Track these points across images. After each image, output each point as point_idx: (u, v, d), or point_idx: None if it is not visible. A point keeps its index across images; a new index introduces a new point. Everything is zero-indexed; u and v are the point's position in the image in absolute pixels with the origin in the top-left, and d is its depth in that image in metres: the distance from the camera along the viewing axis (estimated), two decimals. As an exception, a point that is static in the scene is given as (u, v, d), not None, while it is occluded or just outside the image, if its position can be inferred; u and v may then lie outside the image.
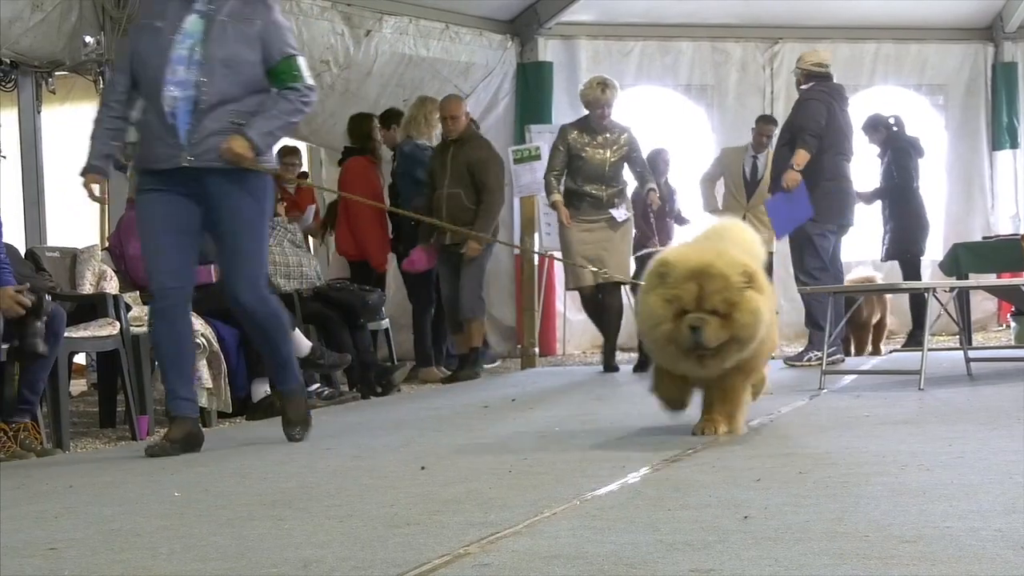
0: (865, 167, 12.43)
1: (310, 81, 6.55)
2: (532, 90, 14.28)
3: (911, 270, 12.67)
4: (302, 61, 6.54)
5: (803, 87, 10.89)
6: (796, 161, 10.48)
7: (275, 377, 6.93)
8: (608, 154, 11.03)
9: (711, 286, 5.63)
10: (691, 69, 14.78)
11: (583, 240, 10.96)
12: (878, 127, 12.71)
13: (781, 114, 14.34)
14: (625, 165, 11.13)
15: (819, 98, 10.71)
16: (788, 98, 14.71)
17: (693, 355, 5.74)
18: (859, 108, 14.14)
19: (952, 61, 15.31)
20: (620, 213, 11.04)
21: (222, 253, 6.52)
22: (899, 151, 12.60)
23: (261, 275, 6.54)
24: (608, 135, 11.03)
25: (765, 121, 13.03)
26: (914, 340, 11.96)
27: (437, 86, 13.00)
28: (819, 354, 10.34)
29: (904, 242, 12.45)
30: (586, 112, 11.21)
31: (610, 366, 11.15)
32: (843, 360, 10.74)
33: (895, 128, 12.81)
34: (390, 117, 11.70)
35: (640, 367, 10.43)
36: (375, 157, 11.30)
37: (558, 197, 11.00)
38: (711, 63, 14.83)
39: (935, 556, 3.14)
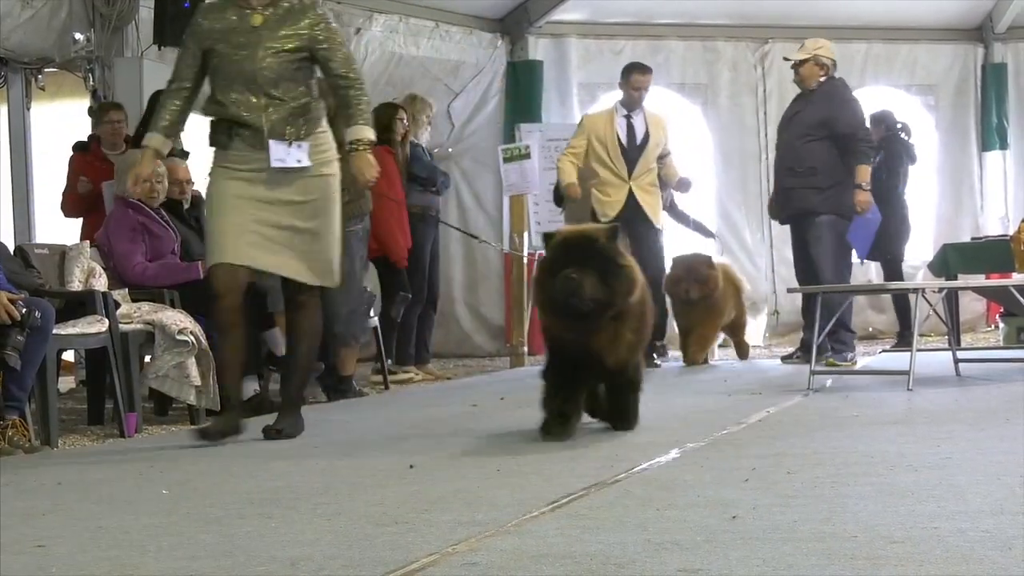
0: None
1: None
2: (522, 89, 14.28)
3: (893, 271, 12.66)
4: None
5: (822, 79, 10.84)
6: (863, 179, 10.49)
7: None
8: None
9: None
10: (683, 68, 14.79)
11: None
12: (880, 125, 12.64)
13: (774, 113, 14.37)
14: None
15: (855, 98, 10.76)
16: (780, 96, 14.74)
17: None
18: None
19: (942, 62, 15.33)
20: None
21: None
22: (893, 154, 12.58)
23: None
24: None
25: (641, 71, 11.64)
26: (903, 341, 11.97)
27: (427, 84, 13.00)
28: (852, 354, 10.39)
29: (887, 243, 12.42)
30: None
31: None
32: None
33: (901, 133, 12.77)
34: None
35: None
36: (394, 148, 10.95)
37: None
38: (703, 62, 14.84)
39: (923, 556, 3.15)
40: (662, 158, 11.54)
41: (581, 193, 11.26)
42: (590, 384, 6.46)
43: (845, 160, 10.53)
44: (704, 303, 11.27)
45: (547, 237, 6.20)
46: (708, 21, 14.77)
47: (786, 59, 11.15)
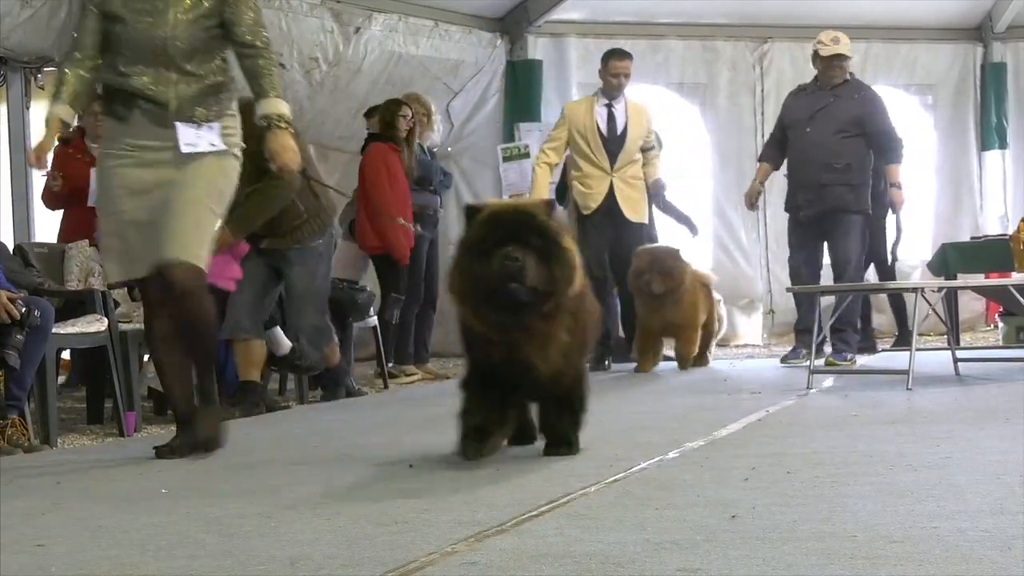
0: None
1: None
2: (521, 88, 14.28)
3: (886, 272, 12.55)
4: None
5: (850, 78, 10.88)
6: (899, 179, 10.71)
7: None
8: None
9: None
10: (682, 68, 14.79)
11: None
12: None
13: (771, 113, 14.38)
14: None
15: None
16: (778, 96, 14.72)
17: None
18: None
19: (941, 61, 15.32)
20: None
21: None
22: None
23: None
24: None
25: (619, 56, 11.33)
26: (902, 340, 11.97)
27: (427, 84, 12.99)
28: (852, 355, 10.38)
29: (879, 245, 12.35)
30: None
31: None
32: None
33: None
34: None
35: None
36: (398, 144, 10.87)
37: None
38: (702, 61, 14.83)
39: (922, 556, 3.15)
40: (645, 151, 11.32)
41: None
42: (522, 401, 5.50)
43: (877, 159, 10.63)
44: (671, 298, 10.56)
45: (471, 211, 5.12)
46: (708, 20, 14.77)
47: (824, 54, 10.94)
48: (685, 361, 10.91)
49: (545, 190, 10.93)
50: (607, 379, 10.37)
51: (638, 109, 11.39)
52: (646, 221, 11.36)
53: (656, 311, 10.60)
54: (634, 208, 11.16)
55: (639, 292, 10.66)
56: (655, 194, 11.42)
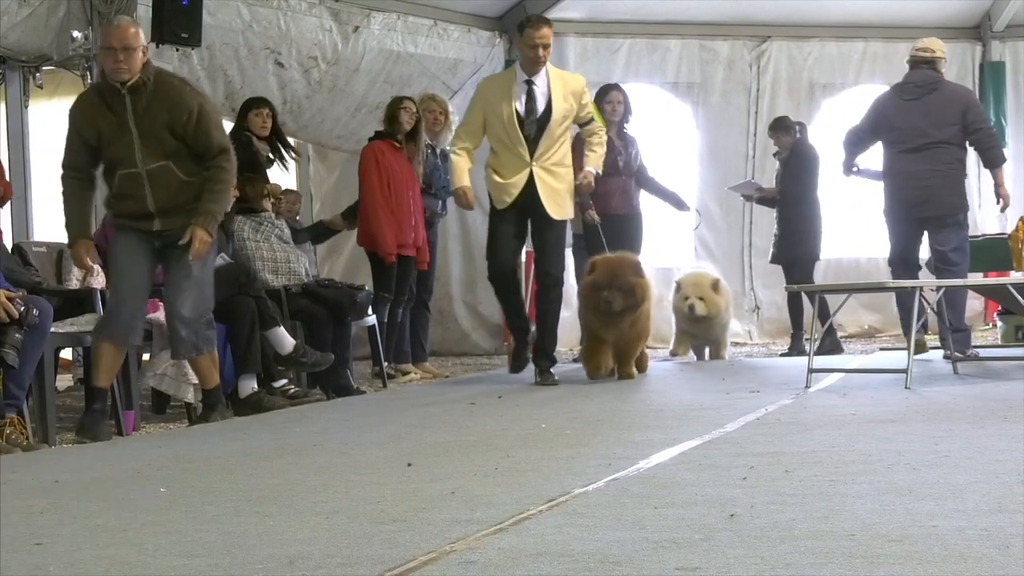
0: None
1: None
2: (520, 87, 14.28)
3: (803, 275, 12.41)
4: None
5: (939, 75, 10.99)
6: (1004, 179, 10.64)
7: None
8: None
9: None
10: (678, 67, 14.80)
11: None
12: (790, 131, 12.52)
13: (765, 114, 14.40)
14: None
15: None
16: (773, 96, 14.78)
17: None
18: (847, 107, 14.20)
19: (940, 60, 15.32)
20: None
21: None
22: (807, 157, 12.42)
23: None
24: None
25: (536, 24, 9.46)
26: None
27: (425, 83, 12.99)
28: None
29: (791, 248, 12.29)
30: None
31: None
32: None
33: (799, 135, 12.61)
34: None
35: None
36: (400, 140, 10.84)
37: None
38: (699, 61, 14.84)
39: (921, 555, 3.15)
40: (584, 125, 9.69)
41: (474, 201, 9.82)
42: None
43: (984, 159, 10.79)
44: (629, 315, 9.40)
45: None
46: (706, 19, 14.78)
47: (926, 58, 11.10)
48: (621, 372, 9.70)
49: (465, 177, 9.50)
50: (604, 378, 10.40)
51: (564, 80, 9.60)
52: (570, 218, 9.82)
53: (610, 326, 9.48)
54: (558, 203, 9.52)
55: (594, 309, 9.44)
56: (580, 186, 9.64)
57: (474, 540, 3.57)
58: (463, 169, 9.52)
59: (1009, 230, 13.16)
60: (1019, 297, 9.11)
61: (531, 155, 9.41)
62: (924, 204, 10.38)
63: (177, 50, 10.80)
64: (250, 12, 11.70)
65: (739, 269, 14.62)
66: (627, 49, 14.66)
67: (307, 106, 12.33)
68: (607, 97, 11.35)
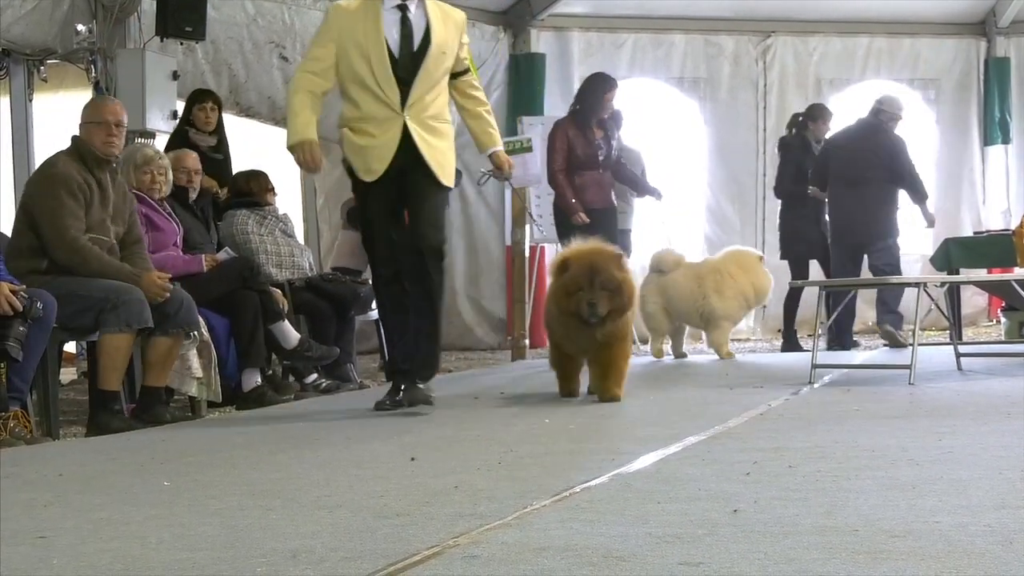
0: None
1: None
2: (524, 82, 14.30)
3: (798, 271, 12.44)
4: None
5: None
6: None
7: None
8: None
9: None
10: (683, 62, 14.81)
11: None
12: (828, 119, 12.51)
13: (774, 109, 14.41)
14: None
15: None
16: (780, 91, 14.78)
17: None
18: (850, 103, 14.19)
19: (944, 56, 15.34)
20: None
21: None
22: (797, 151, 12.42)
23: None
24: None
25: None
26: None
27: (429, 77, 12.98)
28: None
29: (793, 243, 12.30)
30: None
31: None
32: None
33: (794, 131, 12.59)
34: None
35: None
36: None
37: None
38: (704, 56, 14.85)
39: (924, 551, 3.14)
40: (457, 76, 7.52)
41: (323, 163, 7.73)
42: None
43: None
44: (610, 320, 7.44)
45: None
46: (711, 14, 14.78)
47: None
48: (605, 392, 7.65)
49: (311, 128, 7.38)
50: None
51: (443, 9, 7.46)
52: (454, 185, 7.69)
53: (590, 337, 7.57)
54: (443, 166, 7.41)
55: (567, 313, 7.52)
56: (496, 172, 8.18)
57: (477, 534, 3.57)
58: (309, 119, 7.38)
59: (1013, 226, 13.16)
60: (1023, 293, 9.10)
61: (403, 103, 7.25)
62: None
63: (181, 44, 10.80)
64: (254, 6, 11.70)
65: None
66: (632, 44, 14.67)
67: (311, 100, 12.31)
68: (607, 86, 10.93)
